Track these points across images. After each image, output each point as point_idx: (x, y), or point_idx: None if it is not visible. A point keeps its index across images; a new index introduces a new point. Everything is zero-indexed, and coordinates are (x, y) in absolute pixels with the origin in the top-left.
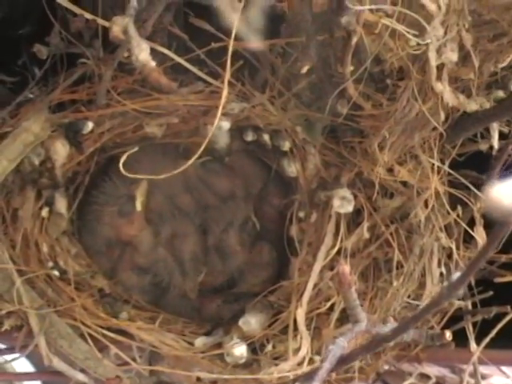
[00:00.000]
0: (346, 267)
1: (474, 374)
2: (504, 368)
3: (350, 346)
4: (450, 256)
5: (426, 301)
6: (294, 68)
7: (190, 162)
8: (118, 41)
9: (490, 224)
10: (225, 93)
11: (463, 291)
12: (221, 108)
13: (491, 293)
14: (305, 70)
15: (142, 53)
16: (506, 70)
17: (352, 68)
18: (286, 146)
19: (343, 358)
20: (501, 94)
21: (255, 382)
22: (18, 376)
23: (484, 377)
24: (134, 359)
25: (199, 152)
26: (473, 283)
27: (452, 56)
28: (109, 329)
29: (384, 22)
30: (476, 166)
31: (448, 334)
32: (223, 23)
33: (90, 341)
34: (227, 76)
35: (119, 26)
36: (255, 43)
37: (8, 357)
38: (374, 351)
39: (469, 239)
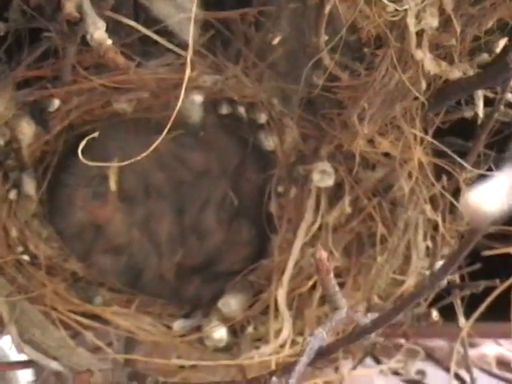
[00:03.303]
0: (323, 253)
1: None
2: None
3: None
4: (435, 228)
5: (412, 276)
6: (268, 38)
7: (161, 137)
8: (71, 18)
9: None
10: (188, 63)
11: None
12: (186, 81)
13: (479, 265)
14: (276, 41)
15: (98, 31)
16: (489, 34)
17: (327, 37)
18: (263, 118)
19: (322, 350)
20: (486, 56)
21: (236, 366)
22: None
23: (475, 344)
24: (109, 345)
25: (169, 127)
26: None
27: (432, 21)
28: (83, 314)
29: None
30: (462, 133)
31: (435, 314)
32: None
33: (61, 328)
34: (190, 50)
35: (73, 1)
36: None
37: None
38: (354, 342)
39: (455, 210)
